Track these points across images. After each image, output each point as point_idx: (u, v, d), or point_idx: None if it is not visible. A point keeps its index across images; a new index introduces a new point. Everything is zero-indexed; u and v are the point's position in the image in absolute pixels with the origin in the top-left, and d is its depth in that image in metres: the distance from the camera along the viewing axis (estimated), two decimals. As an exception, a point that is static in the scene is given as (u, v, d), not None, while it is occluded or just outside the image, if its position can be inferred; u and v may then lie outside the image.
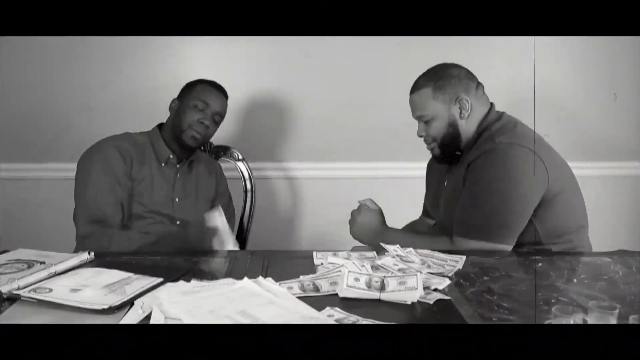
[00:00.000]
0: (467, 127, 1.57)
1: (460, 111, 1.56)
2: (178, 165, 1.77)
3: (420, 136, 1.63)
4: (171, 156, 1.74)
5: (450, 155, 1.61)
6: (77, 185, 1.65)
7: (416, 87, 1.60)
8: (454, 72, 1.57)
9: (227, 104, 1.80)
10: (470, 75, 1.59)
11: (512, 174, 1.46)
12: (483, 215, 1.46)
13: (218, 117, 1.76)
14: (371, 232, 1.60)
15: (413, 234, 1.70)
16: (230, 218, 1.92)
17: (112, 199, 1.62)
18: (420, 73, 1.62)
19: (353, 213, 1.64)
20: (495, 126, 1.55)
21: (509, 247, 1.46)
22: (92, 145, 1.70)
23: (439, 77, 1.57)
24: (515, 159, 1.47)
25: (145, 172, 1.69)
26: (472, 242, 1.46)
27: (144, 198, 1.67)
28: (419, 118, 1.61)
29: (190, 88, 1.78)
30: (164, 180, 1.72)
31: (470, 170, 1.51)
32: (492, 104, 1.61)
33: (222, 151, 2.01)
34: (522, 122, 1.59)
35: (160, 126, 1.80)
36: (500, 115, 1.60)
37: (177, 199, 1.73)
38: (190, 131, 1.71)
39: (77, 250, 1.50)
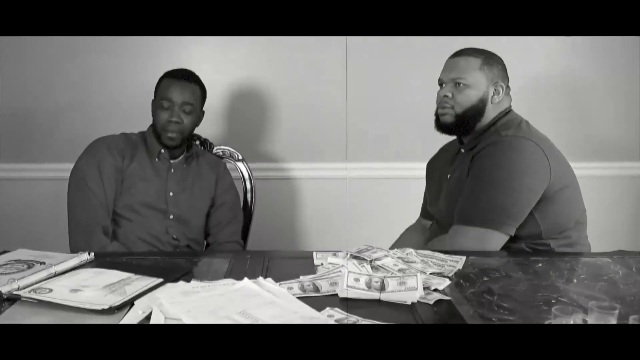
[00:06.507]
0: (490, 112, 1.60)
1: (494, 95, 1.59)
2: (172, 161, 1.77)
3: (444, 96, 1.60)
4: (162, 151, 1.75)
5: (459, 126, 1.60)
6: (68, 192, 1.70)
7: (464, 53, 1.61)
8: (500, 60, 1.63)
9: (198, 89, 1.74)
10: (507, 72, 1.64)
11: (517, 165, 1.48)
12: (486, 203, 1.47)
13: (188, 108, 1.70)
14: None
15: None
16: (234, 217, 1.91)
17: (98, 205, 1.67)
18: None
19: None
20: (502, 121, 1.59)
21: (507, 237, 1.47)
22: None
23: (489, 56, 1.61)
24: (521, 150, 1.49)
25: (135, 166, 1.72)
26: (471, 229, 1.47)
27: (135, 191, 1.70)
28: (453, 80, 1.59)
29: (157, 85, 1.76)
30: (157, 175, 1.74)
31: (475, 161, 1.53)
32: (510, 106, 1.64)
33: (222, 152, 2.00)
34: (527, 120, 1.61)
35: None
36: (508, 111, 1.63)
37: (170, 193, 1.74)
38: (165, 133, 1.70)
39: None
